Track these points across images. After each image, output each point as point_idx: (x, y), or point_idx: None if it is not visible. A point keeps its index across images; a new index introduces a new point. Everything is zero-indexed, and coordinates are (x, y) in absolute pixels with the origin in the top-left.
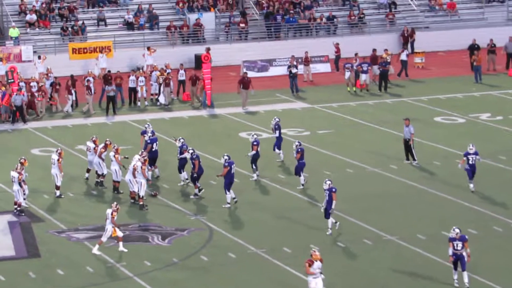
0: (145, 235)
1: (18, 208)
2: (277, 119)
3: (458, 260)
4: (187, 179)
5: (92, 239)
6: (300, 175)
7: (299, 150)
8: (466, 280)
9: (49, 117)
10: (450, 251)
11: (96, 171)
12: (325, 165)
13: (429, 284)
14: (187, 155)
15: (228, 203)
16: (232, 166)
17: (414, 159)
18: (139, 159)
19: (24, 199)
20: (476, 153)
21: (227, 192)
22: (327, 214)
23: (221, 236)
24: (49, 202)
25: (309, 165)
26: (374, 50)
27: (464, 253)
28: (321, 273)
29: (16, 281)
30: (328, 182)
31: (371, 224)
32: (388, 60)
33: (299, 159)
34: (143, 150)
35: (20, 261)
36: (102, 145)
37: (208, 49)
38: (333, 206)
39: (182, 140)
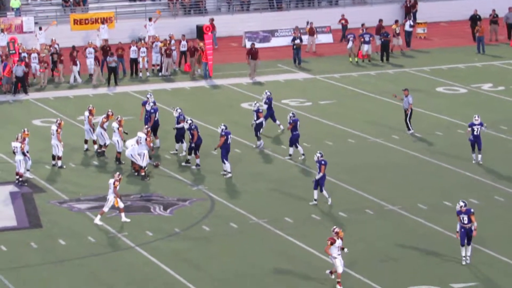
0: (147, 205)
1: (20, 179)
2: (268, 93)
3: (466, 235)
4: (184, 150)
5: (94, 209)
6: (296, 147)
7: (292, 121)
8: (468, 253)
9: (54, 88)
10: (458, 227)
11: (98, 141)
12: (327, 135)
13: (430, 254)
14: (185, 125)
15: (230, 172)
16: (229, 136)
17: (408, 129)
18: (142, 131)
19: (28, 170)
20: (481, 124)
21: (225, 162)
22: (315, 185)
23: (223, 206)
24: (51, 173)
25: (311, 136)
26: (381, 20)
27: (472, 227)
28: (342, 248)
29: (18, 252)
30: (318, 155)
31: (372, 194)
32: (398, 32)
33: (292, 129)
34: (146, 126)
35: (22, 232)
36: (104, 115)
37: (212, 20)
38: (317, 177)
39: (179, 111)
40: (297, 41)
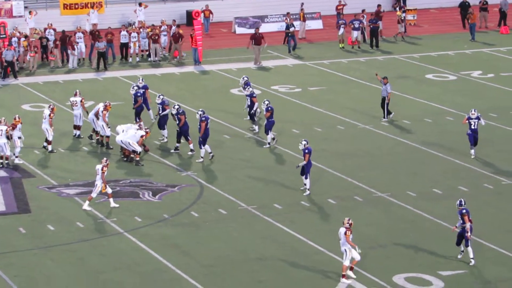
0: (136, 191)
1: (6, 161)
2: (245, 78)
3: (460, 235)
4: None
5: (83, 194)
6: (268, 133)
7: (269, 108)
8: (470, 255)
9: (45, 72)
10: (458, 224)
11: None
12: (316, 121)
13: (418, 241)
14: (172, 110)
15: (202, 157)
16: (208, 121)
17: (384, 116)
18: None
19: (17, 156)
20: (478, 118)
21: (202, 147)
22: (302, 172)
23: (212, 192)
24: (40, 158)
25: (300, 122)
26: (379, 5)
27: (466, 227)
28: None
29: (6, 237)
30: (304, 143)
31: (361, 181)
32: (403, 18)
33: (269, 117)
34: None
35: (11, 217)
36: (102, 106)
37: (207, 6)
38: (300, 164)
39: (161, 97)
40: (292, 28)
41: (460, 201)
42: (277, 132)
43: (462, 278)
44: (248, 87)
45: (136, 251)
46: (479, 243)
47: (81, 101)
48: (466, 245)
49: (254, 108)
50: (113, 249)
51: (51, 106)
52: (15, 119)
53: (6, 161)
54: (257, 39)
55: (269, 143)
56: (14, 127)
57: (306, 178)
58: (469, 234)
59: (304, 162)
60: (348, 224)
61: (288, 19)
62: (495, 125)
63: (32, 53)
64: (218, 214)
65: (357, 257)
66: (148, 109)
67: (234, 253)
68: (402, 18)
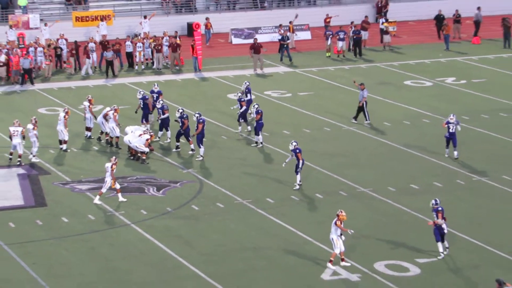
0: (141, 186)
1: (19, 159)
2: (247, 83)
3: (438, 231)
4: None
5: (94, 190)
6: (259, 134)
7: (259, 111)
8: (446, 244)
9: (58, 79)
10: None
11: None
12: (305, 124)
13: (398, 232)
14: (176, 113)
15: (202, 156)
16: (204, 123)
17: (366, 119)
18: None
19: (34, 155)
20: (457, 122)
21: (201, 146)
22: (296, 171)
23: (211, 188)
24: (55, 156)
25: (291, 124)
26: (366, 16)
27: (442, 225)
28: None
29: (24, 228)
30: (294, 144)
31: (346, 177)
32: (388, 30)
33: (259, 120)
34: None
35: (28, 210)
36: (112, 109)
37: (207, 19)
38: (300, 165)
39: (161, 102)
40: (288, 40)
41: (436, 200)
42: (269, 133)
43: (436, 265)
44: (247, 90)
45: (142, 241)
46: (453, 234)
47: (89, 106)
48: (442, 240)
49: (242, 110)
50: (121, 239)
51: (66, 110)
52: (32, 120)
53: (19, 159)
54: (256, 48)
55: (257, 142)
56: (35, 126)
57: (296, 173)
58: (445, 230)
59: (301, 161)
60: (338, 213)
61: (282, 31)
62: (467, 127)
63: (47, 61)
64: (216, 207)
65: (342, 248)
66: (150, 113)
67: (231, 243)
68: (387, 30)
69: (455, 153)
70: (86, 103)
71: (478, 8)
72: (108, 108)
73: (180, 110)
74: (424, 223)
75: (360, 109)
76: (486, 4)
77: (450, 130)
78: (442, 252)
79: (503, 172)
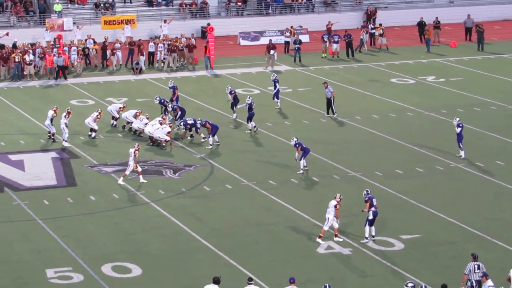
0: (160, 169)
1: (53, 137)
2: (275, 75)
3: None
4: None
5: (118, 172)
6: (248, 122)
7: (252, 103)
8: (373, 233)
9: (90, 74)
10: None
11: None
12: (304, 116)
13: (384, 211)
14: (197, 122)
15: (211, 145)
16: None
17: (333, 113)
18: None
19: (66, 141)
20: (458, 125)
21: (211, 137)
22: (300, 158)
23: (220, 171)
24: (84, 142)
25: (291, 116)
26: (365, 21)
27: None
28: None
29: (57, 205)
30: (295, 139)
31: (339, 163)
32: (381, 33)
33: (249, 109)
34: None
35: (61, 189)
36: (134, 112)
37: (208, 24)
38: (296, 156)
39: (158, 98)
40: (298, 44)
41: (367, 191)
42: (272, 124)
43: (418, 241)
44: (276, 80)
45: (160, 217)
46: (432, 213)
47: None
48: (370, 225)
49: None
50: (141, 215)
51: (99, 110)
52: (68, 110)
53: (53, 137)
54: (269, 47)
55: (250, 130)
56: (68, 116)
57: (300, 159)
58: (371, 217)
59: (300, 155)
60: (339, 199)
61: (293, 33)
62: (445, 120)
63: (79, 59)
64: (225, 188)
65: (336, 226)
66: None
67: (237, 219)
68: (381, 33)
69: (462, 152)
70: (118, 106)
71: (468, 16)
72: (135, 111)
73: (199, 121)
74: (408, 203)
75: (329, 103)
76: (461, 12)
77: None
78: (367, 238)
79: (477, 160)
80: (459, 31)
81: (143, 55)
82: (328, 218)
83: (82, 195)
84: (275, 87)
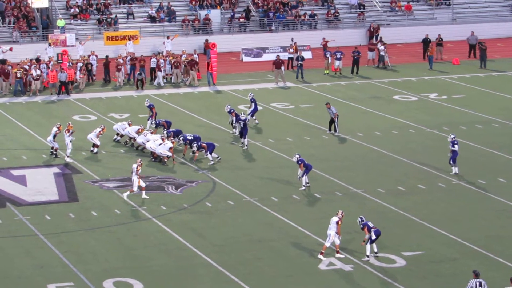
0: (162, 185)
1: (55, 152)
2: (252, 94)
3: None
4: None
5: (120, 188)
6: (241, 138)
7: (247, 119)
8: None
9: (92, 90)
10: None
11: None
12: (306, 132)
13: (386, 228)
14: (193, 147)
15: (212, 160)
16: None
17: (336, 131)
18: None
19: (68, 156)
20: (452, 143)
21: (209, 155)
22: (302, 175)
23: (222, 187)
24: (86, 157)
25: (293, 132)
26: (371, 39)
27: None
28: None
29: (59, 220)
30: (297, 156)
31: (341, 179)
32: (382, 49)
33: (245, 127)
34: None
35: (62, 204)
36: (136, 128)
37: (206, 40)
38: (298, 173)
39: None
40: (301, 60)
41: (361, 218)
42: (274, 140)
43: (419, 257)
44: (253, 100)
45: (161, 233)
46: (433, 230)
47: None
48: (371, 243)
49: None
50: (143, 231)
51: (102, 127)
52: (69, 125)
53: (55, 152)
54: (277, 64)
55: (246, 145)
56: (68, 131)
57: (302, 176)
58: (374, 237)
59: (301, 172)
60: (340, 215)
61: (295, 50)
62: (447, 137)
63: (81, 75)
64: (227, 204)
65: (337, 242)
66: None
67: (239, 235)
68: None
69: (455, 169)
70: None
71: (472, 33)
72: (137, 127)
73: (195, 145)
74: (409, 220)
75: (332, 122)
76: (464, 29)
77: (456, 148)
78: (368, 256)
79: (478, 177)
80: (461, 48)
81: (160, 70)
82: (330, 235)
83: (84, 211)
84: (254, 106)
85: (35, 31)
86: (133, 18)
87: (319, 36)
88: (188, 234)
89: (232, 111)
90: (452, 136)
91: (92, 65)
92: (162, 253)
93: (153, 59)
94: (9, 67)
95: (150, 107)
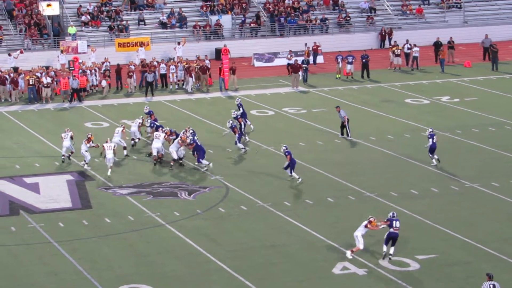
0: (175, 191)
1: (68, 156)
2: (239, 99)
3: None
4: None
5: (133, 194)
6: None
7: (234, 126)
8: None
9: (104, 97)
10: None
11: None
12: (318, 136)
13: (400, 229)
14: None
15: (208, 163)
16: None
17: (348, 135)
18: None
19: (87, 163)
20: (431, 135)
21: (201, 161)
22: (288, 169)
23: (235, 192)
24: (99, 165)
25: (305, 137)
26: (395, 41)
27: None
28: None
29: (72, 227)
30: (283, 148)
31: (354, 183)
32: (398, 53)
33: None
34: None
35: (76, 211)
36: (162, 133)
37: (224, 45)
38: (285, 165)
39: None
40: (306, 64)
41: (393, 213)
42: (287, 146)
43: (434, 261)
44: (239, 105)
45: (175, 239)
46: (447, 233)
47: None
48: (392, 245)
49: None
50: (156, 237)
51: (122, 125)
52: (90, 135)
53: (69, 156)
54: (294, 68)
55: (243, 148)
56: (88, 141)
57: (290, 173)
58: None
59: (287, 162)
60: (372, 219)
61: (307, 54)
62: (460, 139)
63: (108, 80)
64: (240, 210)
65: (361, 246)
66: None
67: (253, 241)
68: (398, 53)
69: (436, 157)
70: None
71: (486, 36)
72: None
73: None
74: (423, 224)
75: (343, 126)
76: (475, 32)
77: (434, 141)
78: (384, 256)
79: (492, 179)
80: (473, 51)
81: (191, 76)
82: (357, 236)
83: (97, 218)
84: (242, 110)
85: (46, 39)
86: (144, 24)
87: (330, 41)
88: (201, 240)
89: (238, 117)
90: (430, 130)
91: (109, 71)
92: (175, 259)
93: (162, 65)
94: (22, 75)
95: (150, 114)
